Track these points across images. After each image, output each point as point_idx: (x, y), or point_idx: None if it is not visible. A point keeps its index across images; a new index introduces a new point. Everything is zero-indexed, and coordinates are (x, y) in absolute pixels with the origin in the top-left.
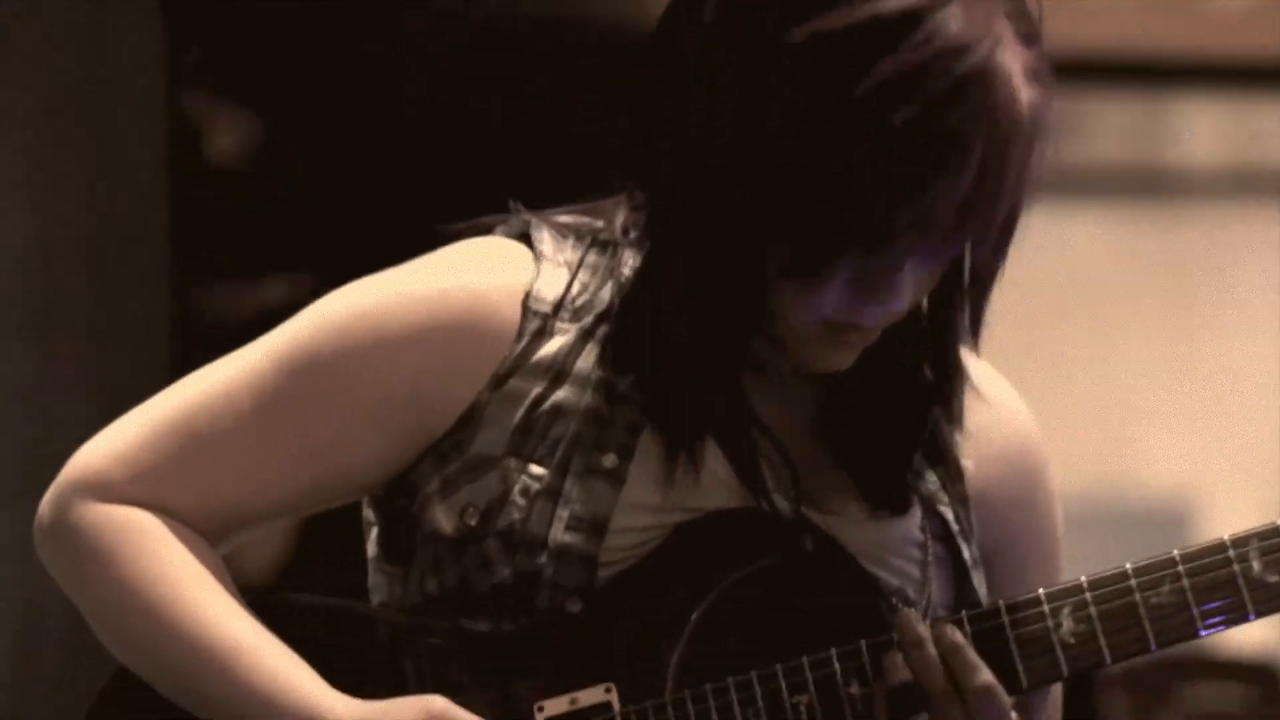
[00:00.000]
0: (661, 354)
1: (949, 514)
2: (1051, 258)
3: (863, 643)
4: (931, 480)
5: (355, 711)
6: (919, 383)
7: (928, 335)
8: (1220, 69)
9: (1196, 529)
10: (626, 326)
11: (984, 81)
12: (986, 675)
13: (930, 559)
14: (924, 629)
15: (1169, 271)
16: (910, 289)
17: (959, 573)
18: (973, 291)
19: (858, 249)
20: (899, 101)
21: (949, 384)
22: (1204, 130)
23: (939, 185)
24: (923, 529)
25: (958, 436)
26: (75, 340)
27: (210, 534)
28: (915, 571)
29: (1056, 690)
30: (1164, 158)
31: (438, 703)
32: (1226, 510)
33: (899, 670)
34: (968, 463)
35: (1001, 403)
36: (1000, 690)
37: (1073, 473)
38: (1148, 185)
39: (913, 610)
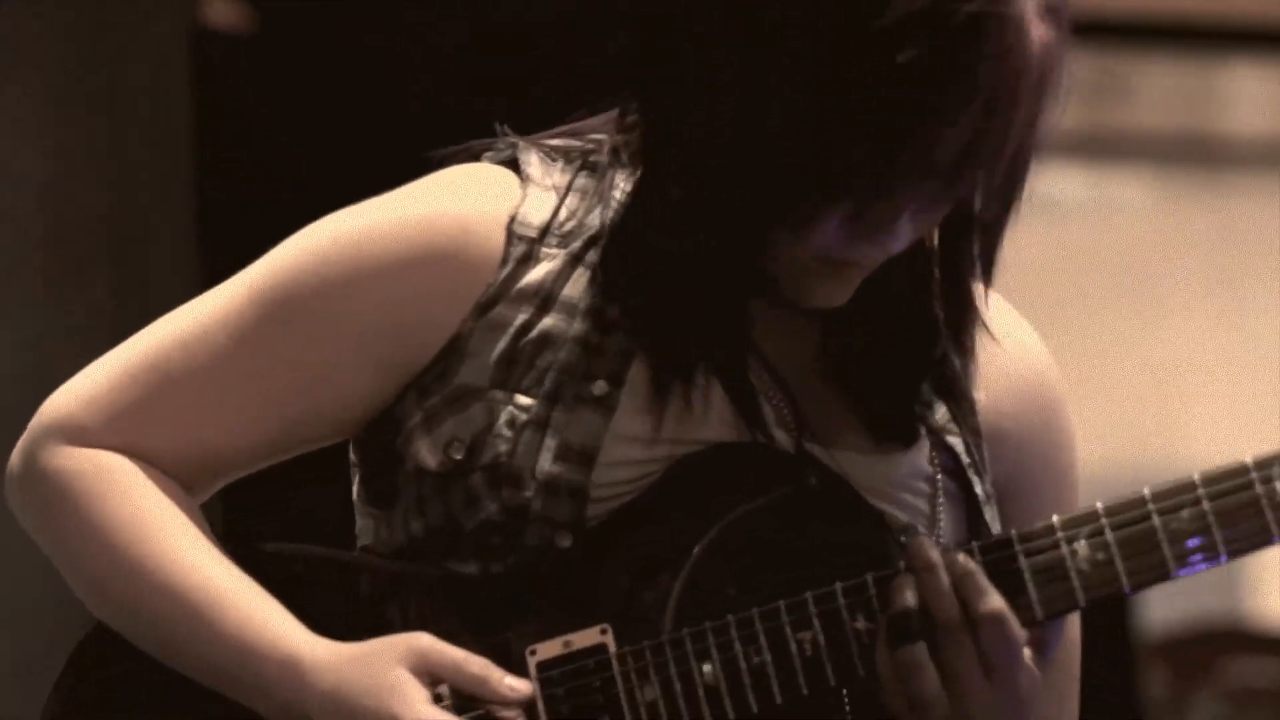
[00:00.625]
0: (655, 280)
1: (959, 446)
2: (1095, 226)
3: (869, 576)
4: (941, 412)
5: (335, 655)
6: (925, 312)
7: (939, 269)
8: (1273, 33)
9: None
10: (618, 251)
11: (995, 21)
12: (998, 601)
13: (940, 493)
14: (936, 554)
15: (1216, 243)
16: (909, 231)
17: (971, 508)
18: (983, 237)
19: (857, 194)
20: (907, 40)
21: (959, 318)
22: (1255, 97)
23: (943, 128)
24: (932, 462)
25: (969, 368)
26: (94, 286)
27: (188, 480)
28: (924, 506)
29: (1074, 632)
30: (1213, 125)
31: (423, 640)
32: None
33: (905, 597)
34: (980, 395)
35: (1015, 337)
36: (1012, 618)
37: (1114, 450)
38: (1195, 153)
39: (925, 537)
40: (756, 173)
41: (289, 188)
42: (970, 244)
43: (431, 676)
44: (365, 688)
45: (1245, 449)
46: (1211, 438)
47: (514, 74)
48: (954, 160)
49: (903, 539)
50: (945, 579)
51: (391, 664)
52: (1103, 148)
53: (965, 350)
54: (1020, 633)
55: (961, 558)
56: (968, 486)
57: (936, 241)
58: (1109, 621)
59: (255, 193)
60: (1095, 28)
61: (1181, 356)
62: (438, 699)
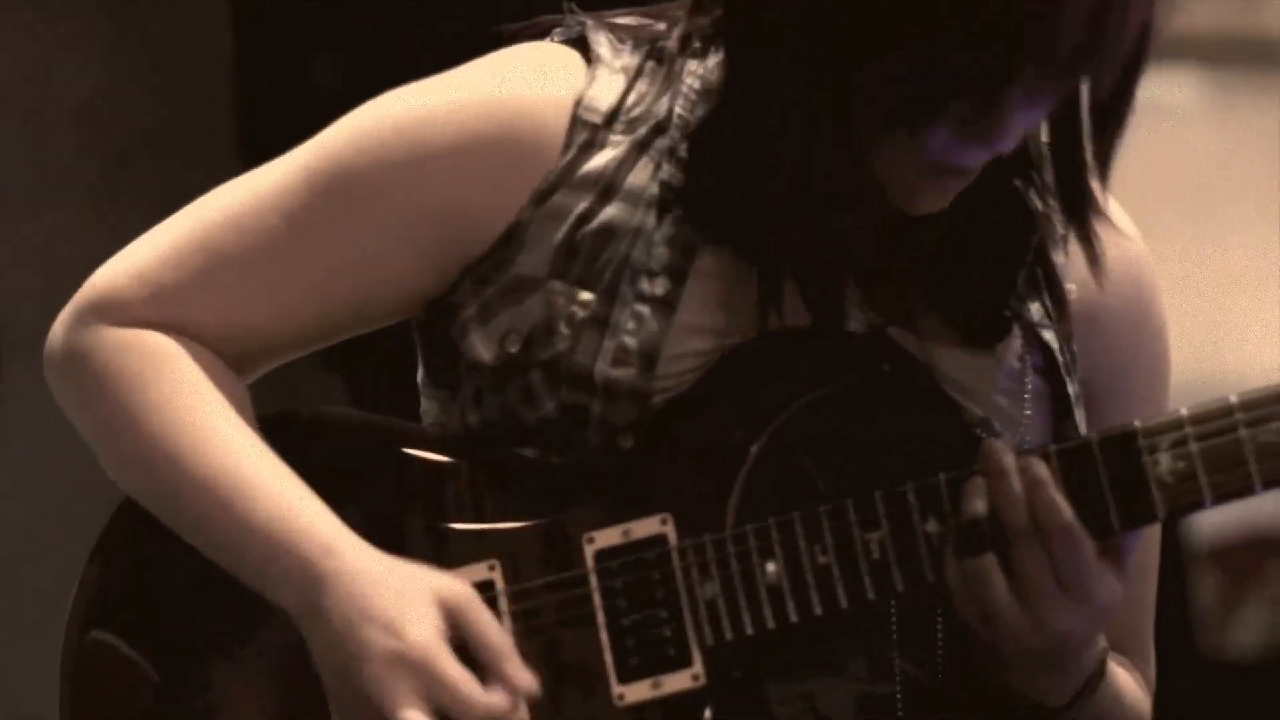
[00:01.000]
0: (742, 169)
1: (1054, 343)
2: (1143, 132)
3: (942, 477)
4: (1035, 308)
5: (366, 561)
6: (1023, 205)
7: (1054, 165)
8: None
9: None
10: (697, 139)
11: None
12: (1068, 515)
13: (1028, 391)
14: (1010, 459)
15: (1272, 149)
16: (1018, 132)
17: (1059, 408)
18: (1100, 132)
19: (973, 95)
20: None
21: (1079, 215)
22: None
23: (1063, 15)
24: (1022, 359)
25: (1063, 259)
26: (140, 198)
27: (234, 361)
28: (1009, 405)
29: (1152, 538)
30: (1264, 25)
31: (467, 593)
32: None
33: (975, 503)
34: (1072, 286)
35: (1111, 225)
36: (1082, 534)
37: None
38: (1247, 53)
39: (1000, 439)
40: (872, 70)
41: (331, 98)
42: (1083, 142)
43: (453, 619)
44: (385, 598)
45: None
46: (1272, 352)
47: None
48: (1072, 52)
49: (980, 434)
50: (1017, 485)
51: (423, 588)
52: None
53: (1094, 257)
54: (1089, 546)
55: (1035, 463)
56: (1059, 386)
57: (1049, 139)
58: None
59: (296, 103)
60: None
61: (1238, 267)
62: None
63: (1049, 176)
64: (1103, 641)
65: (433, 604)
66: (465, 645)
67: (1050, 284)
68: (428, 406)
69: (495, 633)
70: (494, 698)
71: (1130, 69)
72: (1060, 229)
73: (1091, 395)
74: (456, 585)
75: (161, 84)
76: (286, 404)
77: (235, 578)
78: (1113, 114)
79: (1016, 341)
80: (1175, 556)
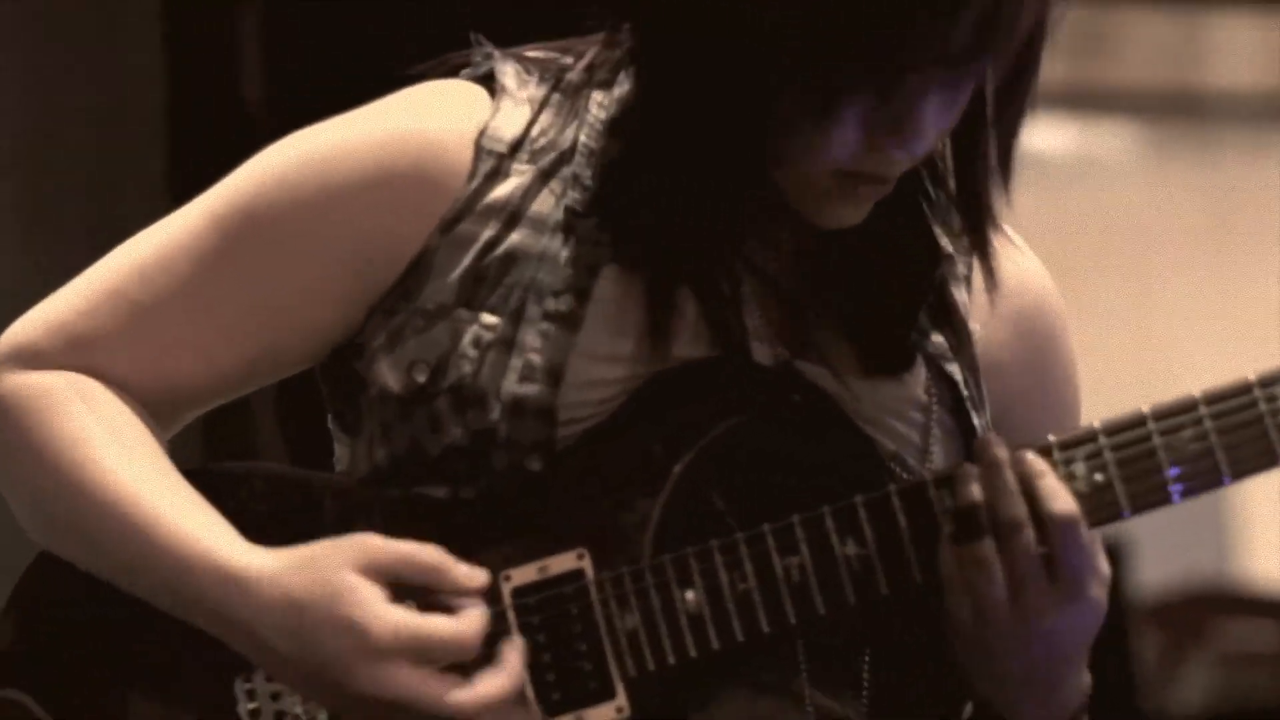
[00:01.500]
0: (645, 190)
1: (958, 376)
2: (1081, 185)
3: (859, 499)
4: (939, 342)
5: (275, 565)
6: (928, 235)
7: (954, 175)
8: None
9: (1235, 489)
10: (601, 163)
11: None
12: (1069, 503)
13: (934, 425)
14: (1004, 451)
15: (1206, 200)
16: (932, 130)
17: (967, 442)
18: (999, 133)
19: (872, 77)
20: None
21: (980, 231)
22: (1241, 49)
23: (957, 6)
24: (928, 392)
25: (965, 298)
26: (71, 240)
27: (156, 409)
28: (916, 437)
29: None
30: (1199, 78)
31: (368, 538)
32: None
33: (971, 491)
34: (975, 326)
35: (1014, 262)
36: (1082, 523)
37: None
38: (1184, 107)
39: (992, 433)
40: (761, 66)
41: (264, 129)
42: (986, 143)
43: (382, 574)
44: (314, 595)
45: None
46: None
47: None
48: (968, 41)
49: (892, 465)
50: (1012, 477)
51: (338, 567)
52: (1088, 102)
53: (990, 272)
54: (1089, 538)
55: (1032, 458)
56: (965, 420)
57: (950, 149)
58: None
59: (226, 136)
60: None
61: (1172, 319)
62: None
63: (955, 219)
64: (1087, 677)
65: (356, 575)
66: (400, 584)
67: (952, 320)
68: (340, 453)
69: (420, 552)
70: (471, 617)
71: (1026, 64)
72: (964, 270)
73: (1001, 435)
74: (356, 542)
75: (93, 123)
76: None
77: (152, 635)
78: (1011, 108)
79: (921, 373)
80: (1117, 612)
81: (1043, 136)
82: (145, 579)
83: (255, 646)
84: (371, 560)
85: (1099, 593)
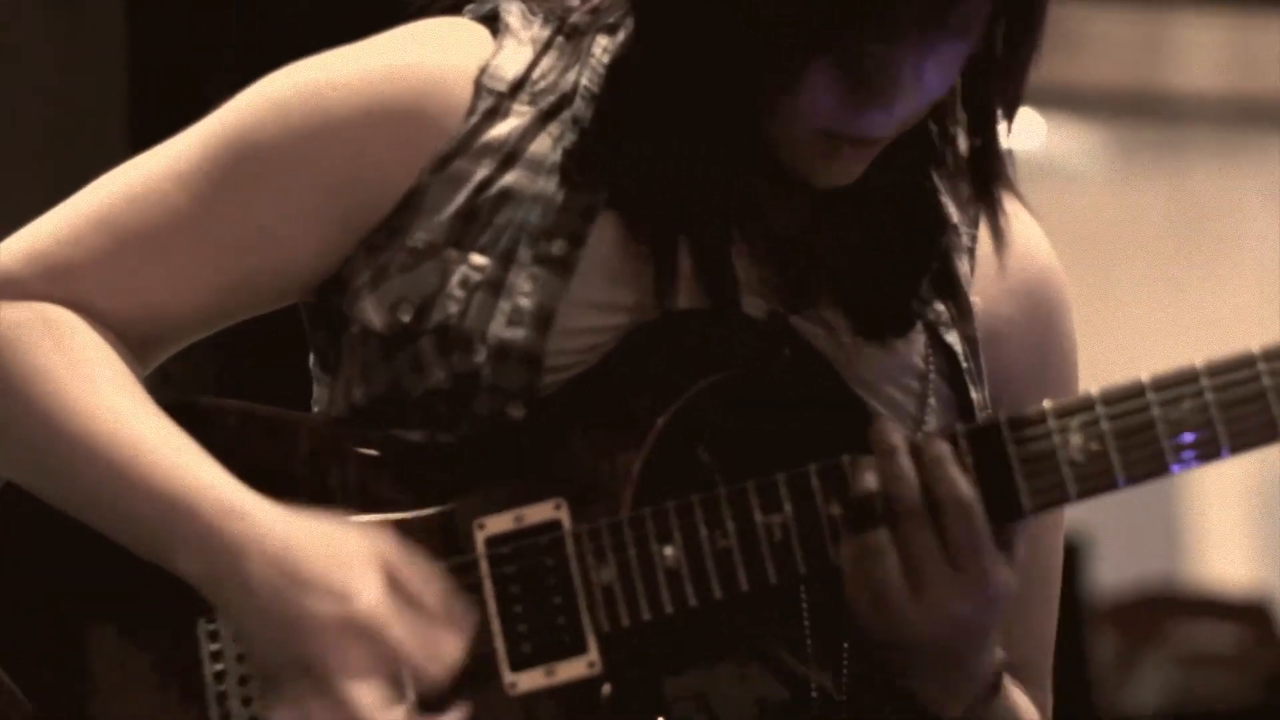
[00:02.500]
0: (641, 136)
1: (958, 346)
2: (1045, 185)
3: (845, 458)
4: (939, 311)
5: (281, 523)
6: (935, 208)
7: (967, 137)
8: None
9: (1189, 493)
10: (604, 105)
11: None
12: (964, 488)
13: (931, 393)
14: (898, 436)
15: (1170, 204)
16: (913, 90)
17: (964, 414)
18: (1004, 78)
19: (821, 41)
20: None
21: (989, 189)
22: (1208, 52)
23: None
24: (926, 360)
25: (968, 269)
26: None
27: (133, 341)
28: (911, 404)
29: (1054, 541)
30: (1166, 81)
31: (395, 546)
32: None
33: (866, 479)
34: (976, 299)
35: (1021, 230)
36: (978, 510)
37: None
38: (1147, 109)
39: (889, 418)
40: (745, 23)
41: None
42: (993, 99)
43: (391, 579)
44: (317, 552)
45: None
46: None
47: None
48: (916, 13)
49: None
50: (907, 463)
51: (353, 540)
52: (1051, 102)
53: (998, 231)
54: (983, 523)
55: (935, 442)
56: (962, 391)
57: (959, 97)
58: None
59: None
60: None
61: (1136, 322)
62: None
63: (963, 187)
64: (999, 654)
65: (371, 564)
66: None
67: (954, 290)
68: (319, 394)
69: (429, 591)
70: (446, 659)
71: (1027, 18)
72: (968, 241)
73: (995, 407)
74: (387, 542)
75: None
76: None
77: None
78: (1012, 55)
79: (920, 340)
80: (1074, 614)
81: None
82: (126, 514)
83: (234, 581)
84: (386, 557)
85: (1002, 575)
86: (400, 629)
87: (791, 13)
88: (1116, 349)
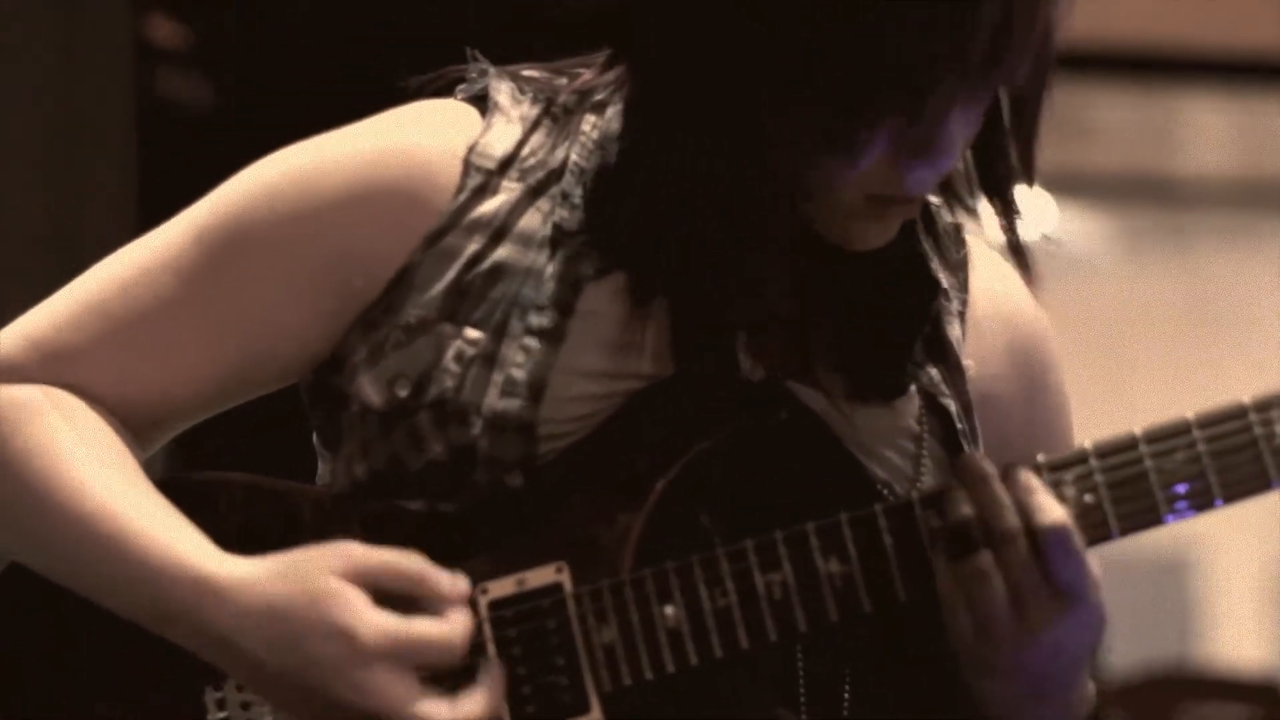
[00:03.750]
0: (634, 211)
1: (952, 408)
2: (1054, 271)
3: (843, 516)
4: (934, 374)
5: (254, 572)
6: (927, 272)
7: (979, 183)
8: (1229, 64)
9: (1200, 573)
10: (592, 181)
11: None
12: (1062, 514)
13: (925, 454)
14: (989, 465)
15: (1180, 288)
16: (955, 145)
17: None
18: (1020, 127)
19: (902, 104)
20: None
21: (1013, 230)
22: (1214, 136)
23: (979, 9)
24: (920, 422)
25: (959, 333)
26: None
27: (134, 425)
28: (906, 466)
29: None
30: (1173, 165)
31: (350, 545)
32: (1230, 553)
33: (962, 508)
34: (969, 363)
35: (1008, 295)
36: (1077, 533)
37: None
38: (1156, 193)
39: (976, 451)
40: (780, 102)
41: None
42: (1006, 147)
43: (365, 580)
44: (299, 601)
45: (1207, 516)
46: None
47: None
48: (988, 43)
49: (882, 490)
50: (1003, 489)
51: (321, 572)
52: (1060, 189)
53: (1027, 267)
54: (1083, 549)
55: (1023, 471)
56: (957, 452)
57: (973, 157)
58: None
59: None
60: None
61: (1148, 408)
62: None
63: (951, 251)
64: (1093, 688)
65: (340, 581)
66: (381, 591)
67: (946, 354)
68: (322, 471)
69: (403, 561)
70: (456, 620)
71: (1041, 66)
72: (958, 305)
73: None
74: (339, 549)
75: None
76: None
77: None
78: (1030, 113)
79: (914, 403)
80: None
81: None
82: (119, 591)
83: (232, 657)
84: (354, 566)
85: (1097, 599)
86: (411, 629)
87: (857, 81)
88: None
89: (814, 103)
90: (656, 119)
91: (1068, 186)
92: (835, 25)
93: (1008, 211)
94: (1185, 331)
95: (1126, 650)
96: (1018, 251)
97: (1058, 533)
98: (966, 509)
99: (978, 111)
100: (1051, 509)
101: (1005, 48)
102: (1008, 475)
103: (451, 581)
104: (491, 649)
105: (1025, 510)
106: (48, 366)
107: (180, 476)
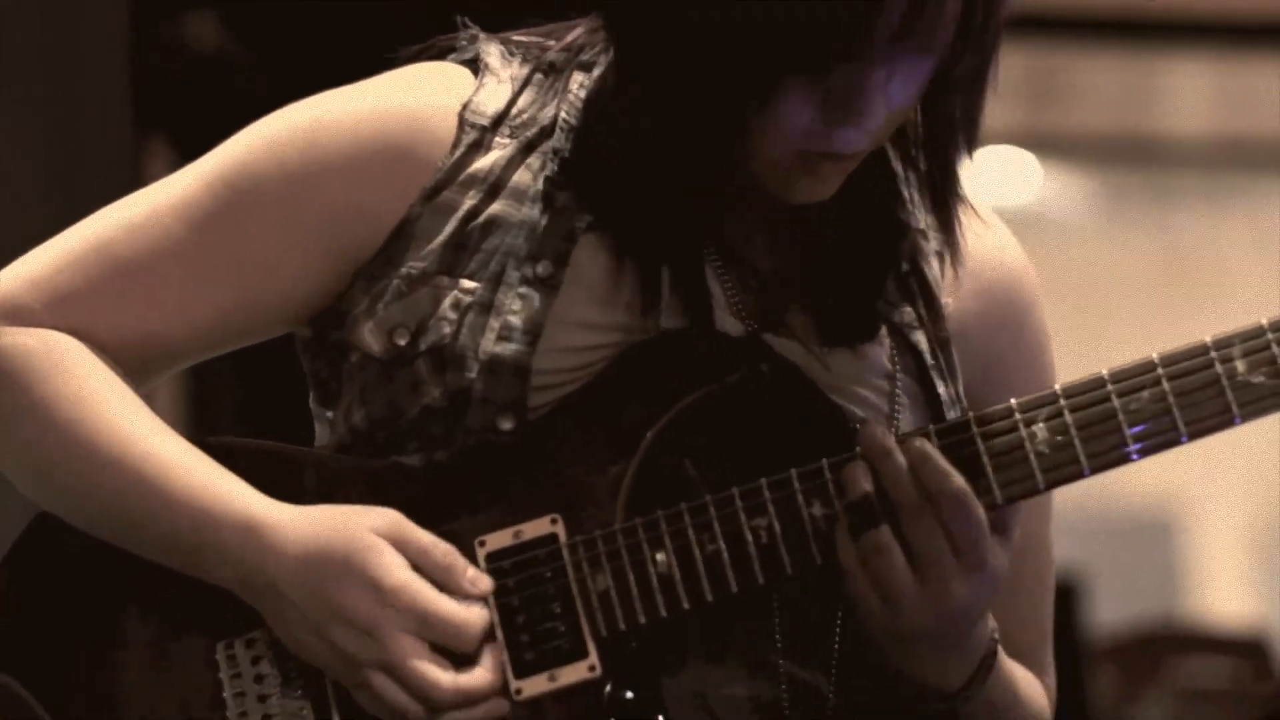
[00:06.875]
0: (620, 163)
1: (923, 345)
2: (1035, 232)
3: (825, 462)
4: (908, 314)
5: (300, 517)
6: (892, 213)
7: (923, 144)
8: (1213, 26)
9: (1185, 532)
10: (585, 135)
11: None
12: (958, 480)
13: (900, 392)
14: (890, 440)
15: (1159, 249)
16: (882, 105)
17: (932, 410)
18: (962, 98)
19: (805, 61)
20: None
21: (945, 205)
22: (1195, 95)
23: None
24: (892, 361)
25: (938, 273)
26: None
27: (131, 366)
28: (883, 404)
29: (1044, 531)
30: (1154, 125)
31: (400, 517)
32: (1215, 512)
33: (862, 483)
34: (948, 300)
35: (987, 235)
36: (974, 500)
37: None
38: (1137, 154)
39: (876, 424)
40: (719, 49)
41: None
42: (952, 109)
43: (404, 549)
44: (335, 547)
45: (1190, 476)
46: (1157, 464)
47: None
48: (894, 28)
49: (857, 426)
50: (902, 463)
51: (363, 527)
52: (1041, 150)
53: (954, 246)
54: (981, 510)
55: (918, 442)
56: (930, 388)
57: (920, 116)
58: (1055, 623)
59: None
60: (1032, 23)
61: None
62: None
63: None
64: (992, 622)
65: (382, 540)
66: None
67: (924, 293)
68: (319, 431)
69: (436, 548)
70: (476, 611)
71: (978, 36)
72: (936, 246)
73: (973, 405)
74: (386, 513)
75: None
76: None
77: (154, 575)
78: (969, 76)
79: (886, 343)
80: (1073, 653)
81: (996, 184)
82: (160, 530)
83: (266, 594)
84: (396, 531)
85: (998, 560)
86: (436, 598)
87: (762, 35)
88: None
89: (725, 54)
90: (622, 76)
91: (1049, 147)
92: None
93: (946, 176)
94: (1165, 290)
95: (1114, 608)
96: (947, 226)
97: (957, 499)
98: (865, 484)
99: (909, 76)
100: (950, 477)
101: (916, 17)
102: (905, 446)
103: (475, 577)
104: (491, 599)
105: (923, 479)
106: (52, 308)
107: (185, 440)
